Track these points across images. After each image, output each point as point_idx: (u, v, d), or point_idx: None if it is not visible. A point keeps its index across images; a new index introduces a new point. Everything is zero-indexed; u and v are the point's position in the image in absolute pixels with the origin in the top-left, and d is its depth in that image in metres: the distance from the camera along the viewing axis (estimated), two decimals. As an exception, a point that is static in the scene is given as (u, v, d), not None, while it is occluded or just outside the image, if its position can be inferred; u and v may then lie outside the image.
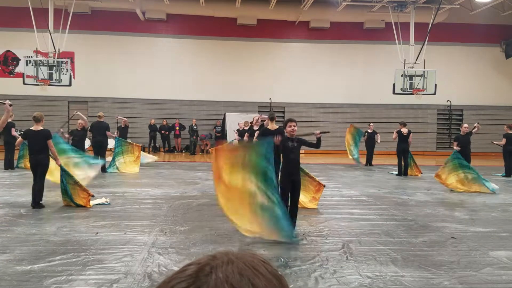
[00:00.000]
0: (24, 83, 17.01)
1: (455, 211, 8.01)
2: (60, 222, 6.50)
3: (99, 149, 12.50)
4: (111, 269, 4.48)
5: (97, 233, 5.86)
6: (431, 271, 4.60)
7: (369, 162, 15.93)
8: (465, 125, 11.36)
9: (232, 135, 16.55)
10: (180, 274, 0.63)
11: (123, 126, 14.79)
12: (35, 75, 16.67)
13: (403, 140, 13.12)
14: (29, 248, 5.16)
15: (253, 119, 11.12)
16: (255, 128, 10.61)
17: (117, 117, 15.97)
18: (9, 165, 12.76)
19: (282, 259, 4.93)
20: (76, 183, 7.78)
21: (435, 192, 10.10)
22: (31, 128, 7.68)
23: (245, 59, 22.00)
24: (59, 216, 6.87)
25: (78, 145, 11.43)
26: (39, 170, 7.55)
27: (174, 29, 21.73)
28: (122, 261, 4.74)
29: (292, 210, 6.00)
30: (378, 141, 15.83)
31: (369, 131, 15.99)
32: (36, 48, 16.87)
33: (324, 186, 7.93)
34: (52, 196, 8.19)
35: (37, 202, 7.45)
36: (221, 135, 20.65)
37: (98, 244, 5.37)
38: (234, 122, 17.74)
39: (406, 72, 17.86)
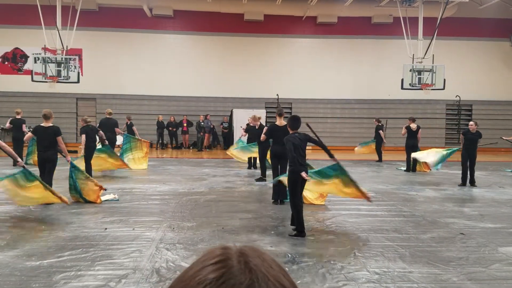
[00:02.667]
0: (32, 80, 17.10)
1: (464, 207, 7.96)
2: (69, 218, 6.55)
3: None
4: (119, 265, 4.51)
5: (106, 229, 5.90)
6: (439, 267, 4.57)
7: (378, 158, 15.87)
8: (471, 123, 11.17)
9: (239, 132, 16.51)
10: (204, 278, 0.56)
11: (128, 123, 14.99)
12: (44, 72, 16.75)
13: (412, 135, 13.05)
14: (38, 244, 5.21)
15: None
16: (253, 125, 10.52)
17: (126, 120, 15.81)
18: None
19: (290, 255, 4.93)
20: (88, 178, 7.85)
21: (443, 188, 10.04)
22: (41, 125, 7.78)
23: (252, 55, 21.95)
24: (68, 212, 6.92)
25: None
26: (47, 166, 7.62)
27: (181, 25, 21.73)
28: (131, 256, 4.77)
29: None
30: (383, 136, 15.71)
31: (379, 124, 15.92)
32: (44, 45, 16.95)
33: None
34: (60, 192, 8.24)
35: None
36: (228, 131, 20.66)
37: (107, 239, 5.41)
38: (242, 118, 17.72)
39: (414, 67, 17.71)
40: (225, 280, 0.55)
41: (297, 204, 5.80)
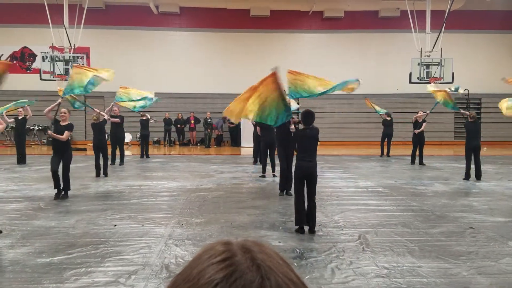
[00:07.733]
0: (41, 79, 17.22)
1: (473, 201, 7.90)
2: (79, 215, 6.60)
3: (116, 141, 12.82)
4: (129, 261, 4.54)
5: (115, 225, 5.94)
6: (449, 262, 4.55)
7: (386, 153, 15.79)
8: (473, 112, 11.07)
9: (245, 127, 16.49)
10: (212, 277, 0.53)
11: (144, 118, 15.13)
12: (52, 70, 16.87)
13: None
14: (49, 241, 5.26)
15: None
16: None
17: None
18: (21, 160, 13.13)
19: (298, 251, 4.93)
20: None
21: (452, 182, 9.97)
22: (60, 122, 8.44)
23: (259, 51, 21.89)
24: (78, 209, 6.98)
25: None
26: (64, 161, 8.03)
27: (187, 22, 21.74)
28: (140, 252, 4.80)
29: (310, 204, 5.79)
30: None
31: (388, 118, 15.82)
32: (52, 44, 17.06)
33: None
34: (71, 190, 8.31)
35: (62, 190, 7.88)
36: (236, 127, 20.65)
37: (116, 236, 5.45)
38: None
39: (422, 61, 17.58)
40: (236, 279, 0.53)
41: (297, 200, 5.80)
